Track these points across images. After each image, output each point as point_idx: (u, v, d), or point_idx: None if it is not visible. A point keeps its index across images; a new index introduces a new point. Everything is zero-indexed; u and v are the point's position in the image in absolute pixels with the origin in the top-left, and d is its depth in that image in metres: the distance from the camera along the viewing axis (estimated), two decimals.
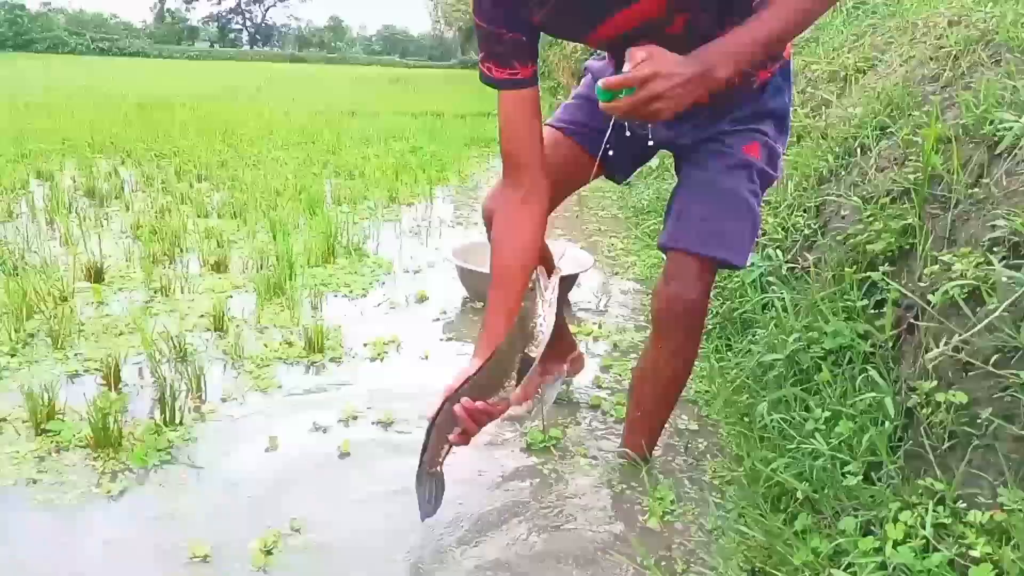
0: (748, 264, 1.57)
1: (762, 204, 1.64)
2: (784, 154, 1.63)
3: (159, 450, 1.72)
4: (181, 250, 3.32)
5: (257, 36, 79.43)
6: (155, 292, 2.79)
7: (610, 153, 1.37)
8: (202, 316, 2.56)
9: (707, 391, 2.09)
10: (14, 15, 45.60)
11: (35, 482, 1.59)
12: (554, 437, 1.84)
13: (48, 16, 51.91)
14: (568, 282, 2.70)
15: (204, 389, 2.01)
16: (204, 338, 2.39)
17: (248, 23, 79.40)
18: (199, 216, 4.00)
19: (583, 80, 1.77)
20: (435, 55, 72.75)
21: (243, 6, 78.17)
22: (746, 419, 1.85)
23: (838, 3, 1.53)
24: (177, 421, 1.84)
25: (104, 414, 1.72)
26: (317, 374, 2.21)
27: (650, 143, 1.54)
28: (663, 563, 1.40)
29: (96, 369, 2.11)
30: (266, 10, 79.54)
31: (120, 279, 2.93)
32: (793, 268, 2.12)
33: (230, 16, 78.47)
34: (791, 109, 1.59)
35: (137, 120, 8.05)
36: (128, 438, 1.75)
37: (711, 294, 1.62)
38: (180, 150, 6.06)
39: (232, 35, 78.68)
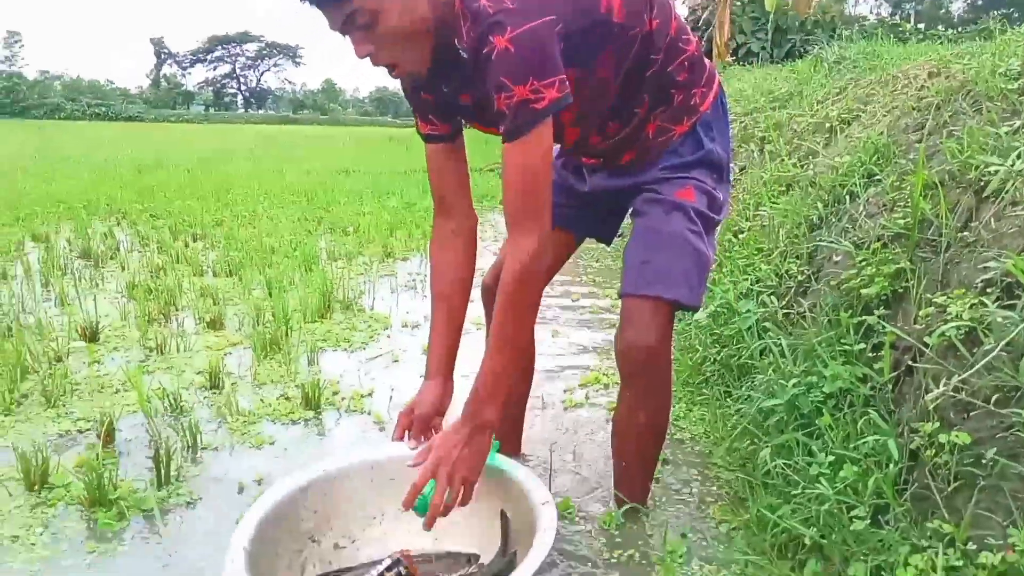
0: (701, 305, 1.62)
1: (716, 246, 1.68)
2: (728, 200, 1.69)
3: (144, 510, 1.69)
4: (176, 309, 3.32)
5: (252, 100, 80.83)
6: (150, 351, 2.77)
7: None
8: (198, 373, 2.55)
9: (709, 438, 2.08)
10: (12, 83, 46.40)
11: (30, 542, 1.55)
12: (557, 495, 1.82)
13: (45, 83, 52.79)
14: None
15: (199, 446, 1.99)
16: (200, 396, 2.37)
17: (243, 87, 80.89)
18: (195, 275, 4.00)
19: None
20: None
21: (238, 71, 79.75)
22: (749, 465, 1.83)
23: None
24: (170, 479, 1.81)
25: (98, 473, 1.70)
26: (317, 430, 2.19)
27: (585, 189, 1.74)
28: None
29: (89, 428, 2.09)
30: (260, 75, 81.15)
31: (115, 338, 2.91)
32: (788, 314, 2.13)
33: (225, 81, 79.97)
34: (727, 158, 1.65)
35: (133, 182, 8.13)
36: (120, 496, 1.72)
37: (673, 339, 1.63)
38: (175, 211, 6.10)
39: (227, 99, 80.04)
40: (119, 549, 1.56)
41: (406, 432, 1.54)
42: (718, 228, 1.68)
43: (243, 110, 75.17)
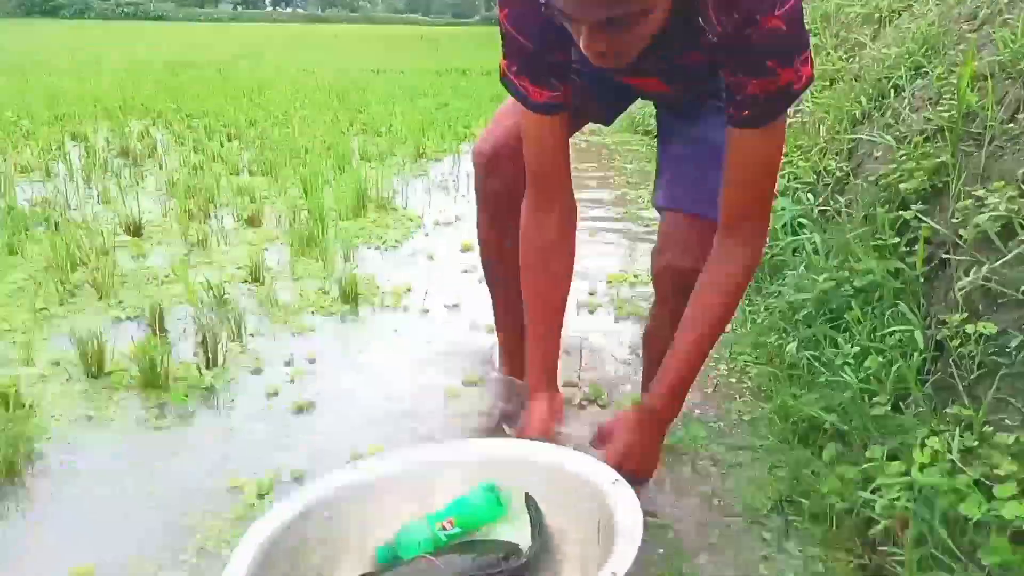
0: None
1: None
2: None
3: (203, 388, 1.79)
4: (215, 206, 3.38)
5: None
6: (192, 246, 2.85)
7: None
8: (239, 268, 2.62)
9: (736, 334, 2.11)
10: None
11: (89, 419, 1.67)
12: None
13: None
14: None
15: (244, 333, 2.08)
16: (242, 289, 2.46)
17: None
18: (231, 174, 4.05)
19: None
20: (458, 12, 71.76)
21: None
22: (776, 360, 1.87)
23: None
24: (219, 364, 1.91)
25: (151, 357, 1.79)
26: (356, 322, 2.27)
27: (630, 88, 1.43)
28: (693, 497, 1.44)
29: (140, 316, 2.19)
30: None
31: (158, 234, 3.00)
32: (825, 211, 2.11)
33: None
34: None
35: (166, 82, 8.12)
36: (173, 379, 1.82)
37: None
38: (209, 111, 6.11)
39: None
40: (182, 425, 1.68)
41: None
42: None
43: (271, 8, 73.48)
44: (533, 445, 1.25)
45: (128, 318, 2.20)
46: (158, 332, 2.08)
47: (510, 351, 1.76)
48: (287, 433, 1.64)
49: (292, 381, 1.86)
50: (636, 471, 1.23)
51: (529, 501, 1.18)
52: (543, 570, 1.13)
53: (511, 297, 1.51)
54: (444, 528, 1.15)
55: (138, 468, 1.51)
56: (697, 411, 1.74)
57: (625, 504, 1.05)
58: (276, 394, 1.79)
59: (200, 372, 1.85)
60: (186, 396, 1.74)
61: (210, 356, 1.90)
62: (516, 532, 1.17)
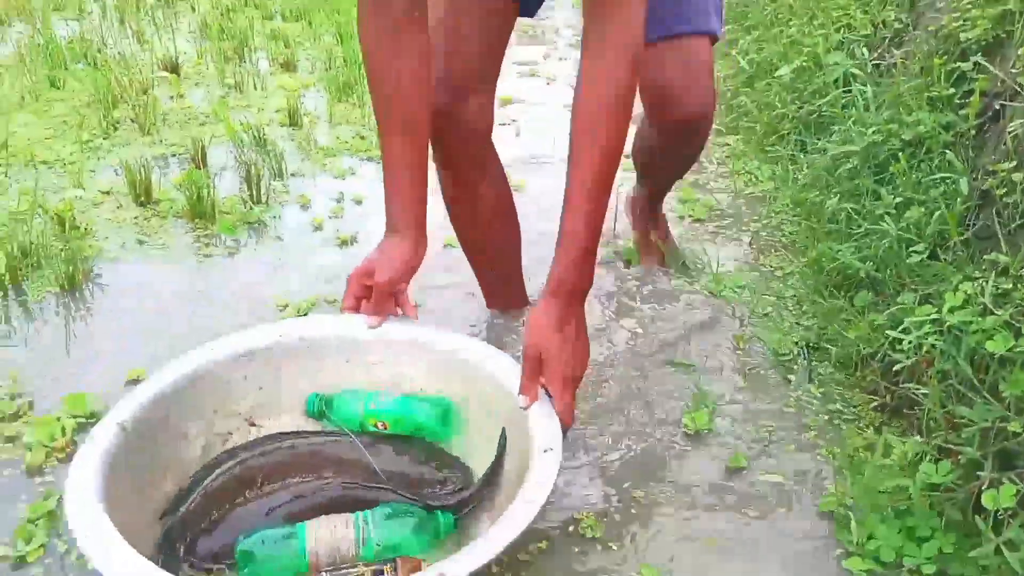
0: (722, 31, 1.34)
1: None
2: None
3: (248, 222, 1.84)
4: (250, 50, 3.33)
5: None
6: (229, 88, 2.84)
7: None
8: (277, 111, 2.62)
9: (778, 191, 2.09)
10: None
11: (142, 244, 1.74)
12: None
13: None
14: None
15: (285, 173, 2.11)
16: (280, 132, 2.47)
17: None
18: (264, 18, 3.96)
19: None
20: None
21: None
22: (814, 217, 1.86)
23: None
24: (263, 200, 1.95)
25: (198, 188, 1.84)
26: None
27: None
28: (721, 342, 1.48)
29: (183, 153, 2.22)
30: None
31: (195, 75, 2.98)
32: (879, 65, 2.03)
33: None
34: None
35: None
36: (220, 212, 1.87)
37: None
38: None
39: None
40: (230, 253, 1.76)
41: (360, 303, 1.13)
42: None
43: None
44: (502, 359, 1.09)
45: (172, 155, 2.23)
46: (202, 167, 2.12)
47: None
48: (330, 263, 1.70)
49: (336, 216, 1.91)
50: (579, 377, 1.06)
51: (503, 439, 1.03)
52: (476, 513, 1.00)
53: (502, 266, 1.43)
54: (376, 426, 1.08)
55: (189, 288, 1.59)
56: (731, 264, 1.76)
57: (535, 484, 0.88)
58: (320, 228, 1.84)
59: (247, 206, 1.90)
60: (234, 227, 1.80)
61: (254, 192, 1.94)
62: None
